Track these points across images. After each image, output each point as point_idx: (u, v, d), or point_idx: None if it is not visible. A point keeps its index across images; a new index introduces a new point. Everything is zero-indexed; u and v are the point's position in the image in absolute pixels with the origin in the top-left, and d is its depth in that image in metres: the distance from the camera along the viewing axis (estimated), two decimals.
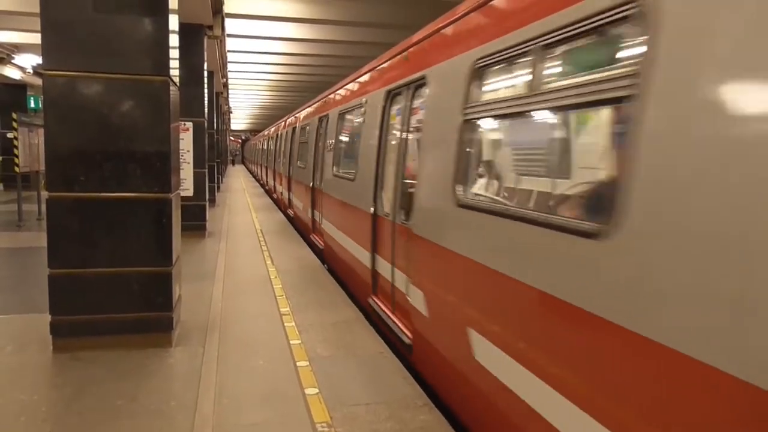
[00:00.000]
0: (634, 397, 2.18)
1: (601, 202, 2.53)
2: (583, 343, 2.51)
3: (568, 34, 2.75)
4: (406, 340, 4.90)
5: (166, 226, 5.04)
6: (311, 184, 10.39)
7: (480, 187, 4.06)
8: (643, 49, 2.22)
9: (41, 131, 12.94)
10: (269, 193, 21.64)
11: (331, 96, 9.91)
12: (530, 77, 3.07)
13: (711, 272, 1.86)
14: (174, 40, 5.16)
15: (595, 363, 2.43)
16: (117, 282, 4.96)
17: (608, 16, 2.47)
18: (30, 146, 12.68)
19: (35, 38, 15.73)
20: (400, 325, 5.19)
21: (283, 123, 18.22)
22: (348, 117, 8.53)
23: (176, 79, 5.35)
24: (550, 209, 3.44)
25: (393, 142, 5.87)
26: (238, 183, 31.06)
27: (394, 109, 6.00)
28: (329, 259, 8.91)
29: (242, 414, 3.88)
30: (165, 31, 4.89)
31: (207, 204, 11.99)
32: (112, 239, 4.93)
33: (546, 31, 2.90)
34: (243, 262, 9.02)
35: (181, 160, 8.70)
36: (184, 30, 6.66)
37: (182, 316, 5.63)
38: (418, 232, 4.62)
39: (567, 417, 2.58)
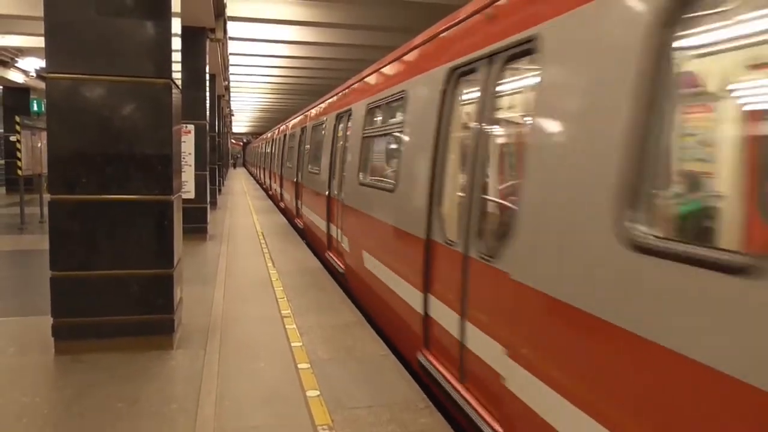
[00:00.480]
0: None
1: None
2: (402, 245, 5.14)
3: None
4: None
5: (168, 228, 5.05)
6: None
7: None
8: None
9: (44, 134, 12.97)
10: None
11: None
12: None
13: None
14: (176, 43, 5.18)
15: (407, 256, 4.95)
16: (118, 284, 4.96)
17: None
18: (33, 149, 12.71)
19: (38, 42, 15.75)
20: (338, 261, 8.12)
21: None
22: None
23: (178, 82, 5.37)
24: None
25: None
26: (239, 185, 31.09)
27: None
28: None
29: (243, 417, 3.89)
30: (167, 34, 4.91)
31: (208, 206, 12.00)
32: (114, 241, 4.94)
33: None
34: (244, 264, 9.03)
35: (182, 163, 8.72)
36: (186, 33, 6.69)
37: (183, 319, 5.63)
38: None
39: (401, 290, 5.08)
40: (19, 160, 12.08)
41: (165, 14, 4.90)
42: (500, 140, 3.89)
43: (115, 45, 4.80)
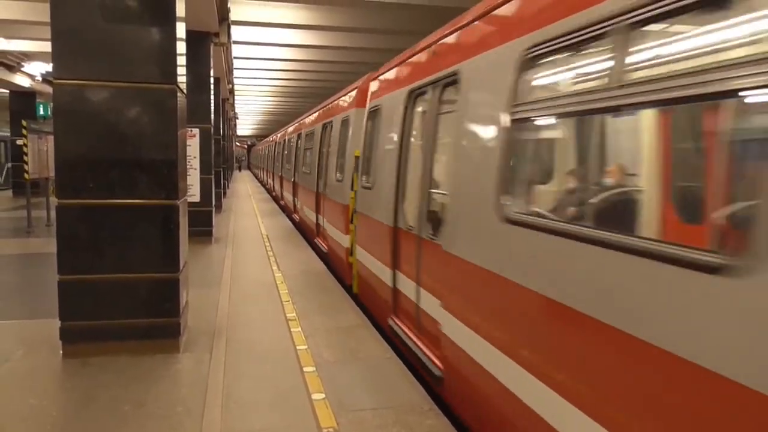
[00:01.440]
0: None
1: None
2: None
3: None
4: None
5: (174, 232, 5.08)
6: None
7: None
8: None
9: (50, 138, 13.04)
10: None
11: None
12: None
13: None
14: (181, 47, 5.21)
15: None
16: (125, 288, 5.00)
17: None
18: (39, 153, 12.77)
19: (45, 46, 15.90)
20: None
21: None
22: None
23: (183, 87, 5.41)
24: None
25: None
26: (244, 188, 31.17)
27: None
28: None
29: (249, 419, 3.91)
30: (172, 39, 4.95)
31: (213, 210, 12.05)
32: (121, 245, 4.98)
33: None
34: (249, 267, 9.07)
35: (187, 167, 8.77)
36: (191, 37, 6.73)
37: (189, 322, 5.67)
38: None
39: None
40: (26, 163, 12.11)
41: (170, 19, 4.94)
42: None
43: (120, 50, 4.85)
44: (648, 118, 3.19)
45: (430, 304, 4.54)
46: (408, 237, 5.21)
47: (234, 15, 11.93)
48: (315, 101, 25.02)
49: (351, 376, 4.66)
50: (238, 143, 62.46)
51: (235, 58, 17.81)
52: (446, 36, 4.77)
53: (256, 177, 44.36)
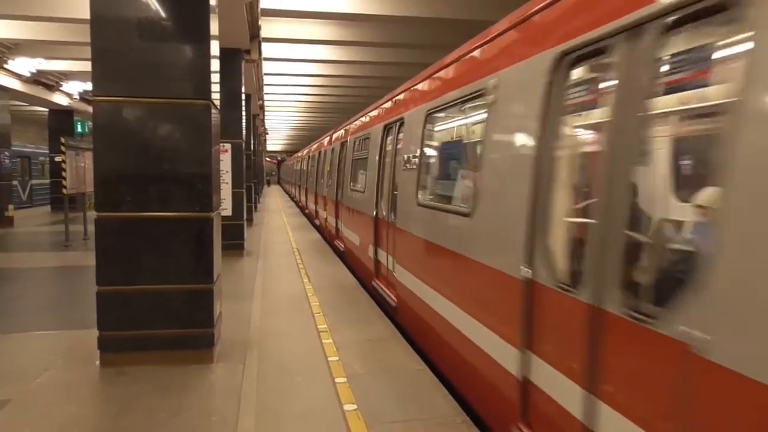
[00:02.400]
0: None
1: None
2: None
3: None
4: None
5: (207, 244, 5.18)
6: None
7: None
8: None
9: (87, 154, 13.45)
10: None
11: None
12: None
13: None
14: (215, 65, 5.34)
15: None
16: (161, 299, 5.11)
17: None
18: (77, 169, 13.13)
19: (82, 66, 16.46)
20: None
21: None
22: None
23: (217, 102, 5.53)
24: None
25: None
26: (274, 203, 31.51)
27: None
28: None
29: (283, 430, 3.94)
30: (206, 57, 5.08)
31: (245, 223, 12.21)
32: (156, 257, 5.09)
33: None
34: (280, 280, 9.16)
35: (220, 181, 8.92)
36: (223, 54, 6.89)
37: (222, 333, 5.74)
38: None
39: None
40: (64, 179, 12.48)
41: (204, 38, 5.07)
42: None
43: (157, 68, 4.99)
44: None
45: (391, 263, 7.28)
46: (380, 222, 7.99)
47: (264, 32, 12.15)
48: (343, 116, 25.30)
49: (382, 388, 4.66)
50: (268, 158, 63.24)
51: (265, 74, 18.11)
52: None
53: (287, 192, 44.79)
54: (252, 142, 19.30)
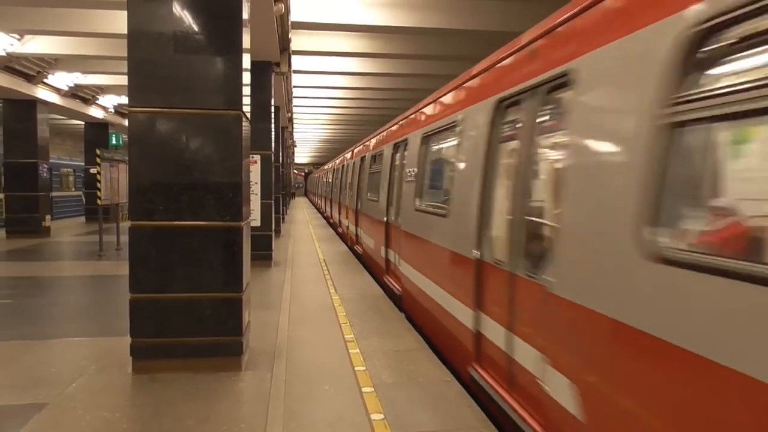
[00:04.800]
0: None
1: None
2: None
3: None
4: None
5: (237, 253, 5.25)
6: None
7: None
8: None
9: (121, 166, 13.75)
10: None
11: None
12: None
13: None
14: (246, 77, 5.44)
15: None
16: (191, 307, 5.18)
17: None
18: (111, 180, 13.43)
19: (117, 80, 16.88)
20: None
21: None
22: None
23: (248, 114, 5.62)
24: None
25: None
26: (301, 215, 31.74)
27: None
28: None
29: None
30: (239, 69, 5.18)
31: (273, 234, 12.33)
32: (188, 265, 5.17)
33: None
34: (308, 290, 9.21)
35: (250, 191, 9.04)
36: (254, 67, 7.02)
37: (251, 342, 5.80)
38: None
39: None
40: (99, 190, 12.77)
41: (236, 50, 5.17)
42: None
43: (191, 80, 5.10)
44: None
45: (396, 258, 8.55)
46: (389, 226, 9.26)
47: (294, 45, 12.33)
48: (370, 129, 25.43)
49: (409, 398, 4.65)
50: (295, 170, 63.82)
51: (294, 86, 18.33)
52: None
53: (313, 204, 45.10)
54: (281, 154, 19.52)
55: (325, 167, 33.41)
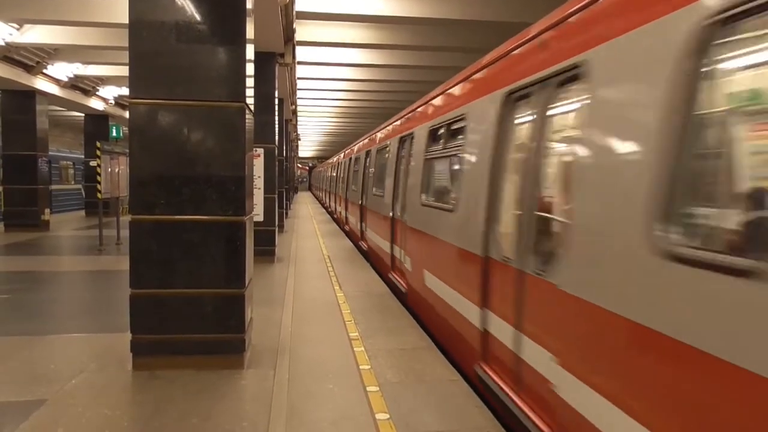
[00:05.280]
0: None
1: None
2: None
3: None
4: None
5: (240, 248, 5.14)
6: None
7: None
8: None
9: (121, 159, 13.61)
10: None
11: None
12: None
13: None
14: (250, 68, 5.32)
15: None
16: (193, 303, 5.08)
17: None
18: (111, 173, 13.28)
19: (118, 71, 16.73)
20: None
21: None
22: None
23: (251, 106, 5.51)
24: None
25: None
26: (305, 210, 31.68)
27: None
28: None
29: None
30: (242, 60, 5.06)
31: (276, 229, 12.21)
32: (189, 260, 5.06)
33: None
34: (311, 286, 9.12)
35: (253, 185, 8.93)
36: (258, 58, 6.87)
37: (253, 339, 5.70)
38: None
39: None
40: (99, 183, 12.60)
41: (240, 41, 5.05)
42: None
43: (193, 71, 4.98)
44: None
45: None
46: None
47: (298, 35, 12.17)
48: (375, 121, 25.27)
49: (415, 397, 4.55)
50: (299, 164, 63.69)
51: (298, 78, 18.18)
52: None
53: (317, 198, 45.03)
54: (284, 147, 19.39)
55: (330, 161, 33.32)
